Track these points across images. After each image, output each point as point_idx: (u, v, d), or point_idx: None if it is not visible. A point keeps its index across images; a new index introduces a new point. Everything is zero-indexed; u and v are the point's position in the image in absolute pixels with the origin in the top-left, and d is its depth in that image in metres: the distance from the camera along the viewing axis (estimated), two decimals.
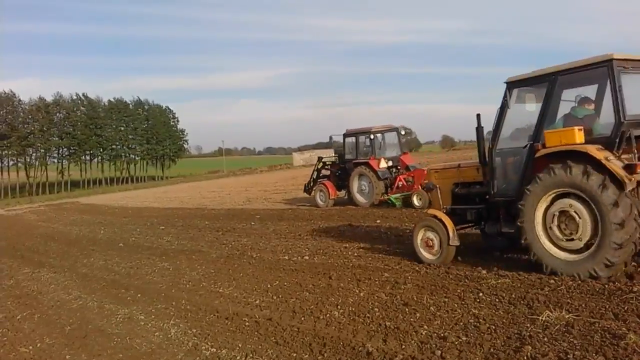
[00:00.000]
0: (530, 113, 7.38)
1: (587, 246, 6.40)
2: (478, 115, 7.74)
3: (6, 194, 77.97)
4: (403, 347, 5.10)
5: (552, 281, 6.54)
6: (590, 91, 7.37)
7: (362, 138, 18.90)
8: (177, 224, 19.56)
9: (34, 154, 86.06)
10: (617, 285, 6.05)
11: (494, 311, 5.77)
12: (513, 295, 6.17)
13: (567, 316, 5.22)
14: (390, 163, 17.79)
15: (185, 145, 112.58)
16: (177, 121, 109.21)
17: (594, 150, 6.20)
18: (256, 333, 6.18)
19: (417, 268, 8.16)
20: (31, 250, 16.49)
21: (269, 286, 8.22)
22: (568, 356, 4.36)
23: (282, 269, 9.40)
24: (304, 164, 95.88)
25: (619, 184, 6.02)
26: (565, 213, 6.51)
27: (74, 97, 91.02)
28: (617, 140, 6.34)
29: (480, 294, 6.39)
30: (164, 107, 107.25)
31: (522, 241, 7.01)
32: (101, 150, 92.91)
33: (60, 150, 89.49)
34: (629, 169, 6.04)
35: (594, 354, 4.35)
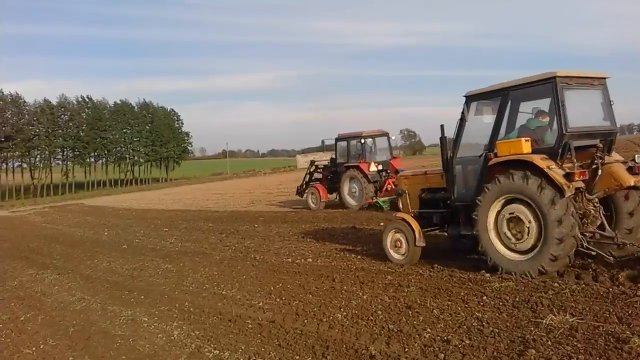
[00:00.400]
0: (486, 124, 7.88)
1: (534, 246, 6.94)
2: (442, 126, 8.27)
3: (11, 196, 78.23)
4: (406, 350, 5.09)
5: (555, 284, 6.53)
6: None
7: (353, 142, 19.28)
8: (181, 226, 19.58)
9: (39, 156, 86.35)
10: (622, 289, 6.03)
11: (497, 314, 5.75)
12: (517, 299, 6.16)
13: (571, 320, 5.21)
14: (380, 167, 18.08)
15: (190, 148, 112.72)
16: (182, 123, 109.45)
17: (538, 160, 6.80)
18: (259, 335, 6.17)
19: (420, 271, 8.14)
20: (35, 252, 16.54)
21: (272, 288, 8.22)
22: None
23: (285, 271, 9.40)
24: (304, 167, 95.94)
25: (560, 191, 6.55)
26: (514, 216, 7.09)
27: (79, 99, 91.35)
28: (560, 150, 6.97)
29: (484, 298, 6.37)
30: (168, 109, 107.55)
31: (479, 248, 7.62)
32: (106, 152, 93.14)
33: (65, 152, 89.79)
34: (568, 177, 6.64)
35: (598, 358, 4.34)
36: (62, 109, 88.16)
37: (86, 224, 25.24)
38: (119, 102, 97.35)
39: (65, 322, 7.95)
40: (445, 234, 9.07)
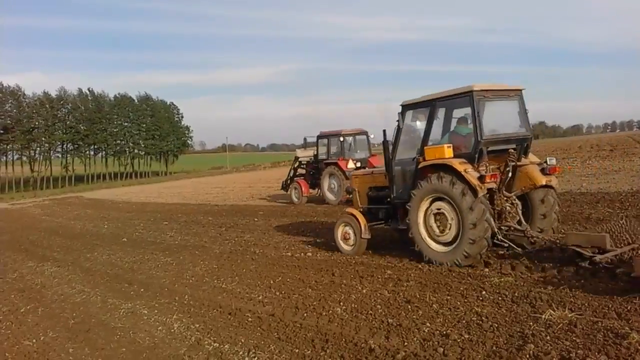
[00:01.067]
0: (420, 131, 8.79)
1: (454, 239, 7.86)
2: (384, 131, 9.23)
3: (10, 188, 78.29)
4: (405, 344, 5.10)
5: (554, 280, 6.55)
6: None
7: (333, 140, 19.95)
8: (181, 219, 19.60)
9: (38, 149, 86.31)
10: (621, 285, 6.04)
11: (496, 309, 5.76)
12: (516, 294, 6.17)
13: (570, 315, 5.22)
14: (358, 164, 18.48)
15: (189, 141, 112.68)
16: (182, 117, 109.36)
17: (456, 164, 7.70)
18: (259, 328, 6.19)
19: (419, 266, 8.17)
20: (35, 244, 16.56)
21: (271, 282, 8.24)
22: (571, 355, 4.35)
23: (285, 265, 9.42)
24: (309, 160, 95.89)
25: (474, 191, 7.44)
26: (439, 212, 8.04)
27: (80, 92, 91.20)
28: (476, 155, 7.79)
29: (483, 292, 6.39)
30: (168, 103, 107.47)
31: (409, 235, 8.49)
32: (105, 145, 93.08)
33: (65, 145, 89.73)
34: (481, 178, 7.47)
35: (596, 353, 4.34)
36: (62, 102, 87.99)
37: (86, 216, 25.25)
38: (118, 95, 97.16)
39: (65, 314, 7.98)
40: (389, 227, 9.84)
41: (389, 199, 9.38)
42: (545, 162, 8.31)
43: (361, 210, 9.95)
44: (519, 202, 8.35)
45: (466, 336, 5.08)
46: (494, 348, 4.74)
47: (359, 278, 7.82)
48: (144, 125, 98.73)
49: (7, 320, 7.98)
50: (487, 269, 7.44)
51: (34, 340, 6.86)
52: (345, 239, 9.78)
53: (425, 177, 8.13)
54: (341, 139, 19.18)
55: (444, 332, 5.24)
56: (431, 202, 8.15)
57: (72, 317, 7.75)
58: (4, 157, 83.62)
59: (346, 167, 18.41)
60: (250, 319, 6.56)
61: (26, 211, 33.81)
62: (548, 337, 4.79)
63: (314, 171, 20.94)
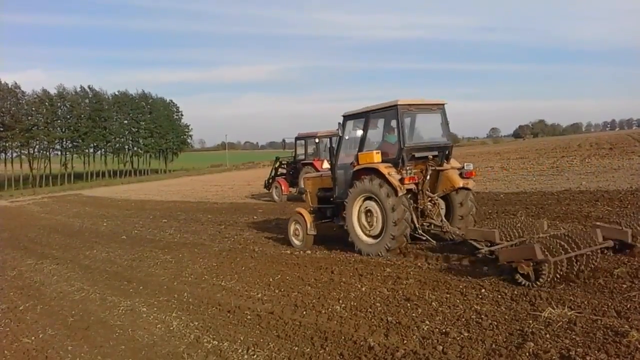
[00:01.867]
0: (358, 138, 9.81)
1: (380, 234, 8.99)
2: (330, 139, 10.84)
3: (9, 186, 78.16)
4: (405, 342, 5.10)
5: (554, 278, 6.53)
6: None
7: (310, 141, 21.03)
8: (180, 217, 19.59)
9: (38, 146, 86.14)
10: (620, 283, 6.05)
11: (496, 307, 5.76)
12: (515, 292, 6.16)
13: (569, 313, 5.21)
14: None
15: (189, 139, 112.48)
16: (181, 115, 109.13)
17: (382, 168, 8.82)
18: (258, 326, 6.18)
19: (419, 264, 8.17)
20: (34, 242, 16.54)
21: (271, 280, 8.23)
22: (570, 353, 4.34)
23: (284, 263, 9.41)
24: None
25: (396, 191, 8.54)
26: (368, 210, 9.16)
27: (79, 90, 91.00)
28: (400, 160, 8.87)
29: (483, 290, 6.38)
30: (167, 101, 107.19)
31: (345, 227, 9.61)
32: (105, 143, 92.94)
33: (64, 143, 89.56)
34: (401, 181, 8.58)
35: (596, 351, 4.34)
36: (62, 99, 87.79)
37: (85, 214, 25.23)
38: (118, 93, 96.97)
39: (64, 312, 7.97)
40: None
41: (332, 199, 10.47)
42: (463, 167, 9.40)
43: (311, 209, 11.03)
44: (441, 202, 9.48)
45: (465, 334, 5.08)
46: (494, 346, 4.73)
47: (358, 276, 7.82)
48: (143, 123, 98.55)
49: (6, 317, 7.97)
50: (486, 267, 7.43)
51: (33, 338, 6.85)
52: (296, 235, 10.96)
53: (359, 179, 9.25)
54: (317, 140, 19.84)
55: (444, 330, 5.23)
56: (363, 201, 9.29)
57: (71, 314, 7.74)
58: (3, 155, 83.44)
59: (321, 167, 19.14)
60: (249, 317, 6.55)
61: (25, 209, 33.77)
62: (548, 335, 4.79)
63: (293, 171, 22.08)
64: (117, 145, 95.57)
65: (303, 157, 21.50)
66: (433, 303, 6.13)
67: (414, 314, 5.84)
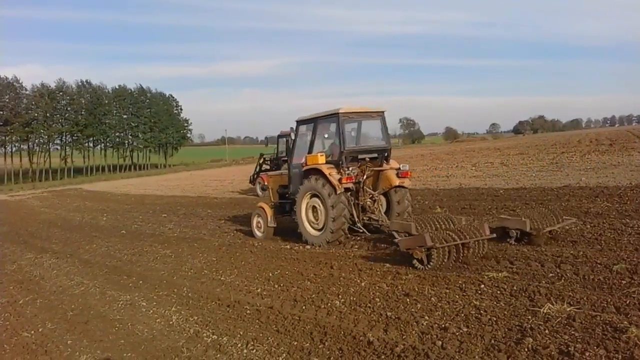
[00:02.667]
0: (308, 141, 10.85)
1: (322, 227, 10.05)
2: (287, 140, 11.80)
3: (9, 180, 78.13)
4: (404, 337, 5.11)
5: (551, 274, 6.55)
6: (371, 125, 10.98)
7: (290, 139, 21.41)
8: (180, 211, 19.59)
9: (37, 140, 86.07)
10: (620, 279, 6.05)
11: (495, 303, 5.76)
12: (514, 287, 6.16)
13: (568, 309, 5.21)
14: None
15: (189, 134, 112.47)
16: (181, 109, 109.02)
17: (325, 168, 9.83)
18: (257, 321, 6.19)
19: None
20: (34, 236, 16.56)
21: (270, 275, 8.24)
22: (569, 349, 4.35)
23: (283, 257, 9.42)
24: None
25: (335, 189, 9.59)
26: (314, 205, 10.18)
27: (78, 84, 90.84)
28: (340, 162, 9.88)
29: (482, 286, 6.38)
30: (167, 95, 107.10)
31: (294, 219, 10.73)
32: (104, 137, 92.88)
33: (64, 137, 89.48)
34: (340, 180, 9.60)
35: (595, 347, 4.34)
36: (61, 94, 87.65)
37: (85, 209, 25.24)
38: (117, 87, 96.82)
39: (64, 306, 7.98)
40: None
41: (287, 195, 11.49)
42: (399, 168, 10.40)
43: (272, 204, 11.99)
44: (382, 199, 10.63)
45: (465, 329, 5.08)
46: (493, 341, 4.74)
47: (357, 271, 7.82)
48: (143, 117, 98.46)
49: (6, 311, 7.99)
50: (485, 263, 7.43)
51: (33, 332, 6.87)
52: (258, 227, 12.01)
53: (307, 178, 10.23)
54: None
55: (443, 326, 5.24)
56: (310, 197, 10.32)
57: (71, 308, 7.75)
58: (3, 149, 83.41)
59: None
60: (248, 312, 6.56)
61: (25, 203, 33.77)
62: (547, 331, 4.79)
63: (275, 167, 22.42)
64: (117, 139, 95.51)
65: (284, 154, 21.80)
66: (432, 298, 6.14)
67: (413, 309, 5.84)
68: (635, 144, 31.52)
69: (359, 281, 7.25)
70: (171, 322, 6.58)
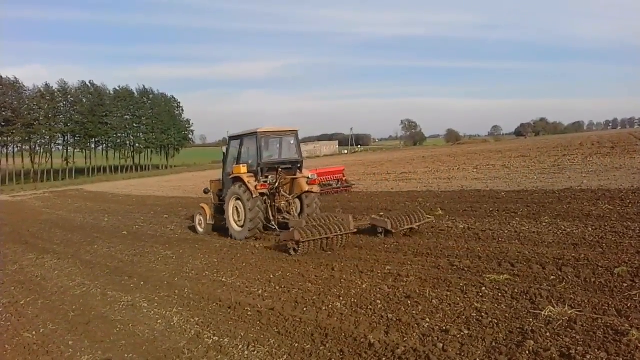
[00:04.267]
0: (235, 154, 13.02)
1: (243, 225, 12.02)
2: (223, 153, 13.62)
3: (11, 180, 78.26)
4: (405, 339, 5.10)
5: (553, 277, 6.54)
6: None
7: None
8: (181, 213, 19.60)
9: (39, 141, 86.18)
10: (621, 281, 6.04)
11: (496, 305, 5.76)
12: (516, 290, 6.16)
13: (569, 312, 5.21)
14: None
15: (190, 135, 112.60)
16: (182, 111, 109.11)
17: (245, 177, 11.82)
18: (258, 322, 6.19)
19: (419, 261, 8.17)
20: (35, 237, 16.57)
21: (271, 276, 8.24)
22: (570, 352, 4.35)
23: (284, 259, 9.42)
24: (308, 156, 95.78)
25: (251, 194, 11.60)
26: (237, 207, 12.18)
27: (80, 84, 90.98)
28: (258, 172, 11.97)
29: (483, 288, 6.38)
30: (169, 97, 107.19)
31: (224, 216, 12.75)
32: (106, 138, 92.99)
33: (66, 138, 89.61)
34: (255, 187, 11.66)
35: (596, 350, 4.34)
36: (63, 94, 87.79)
37: (86, 209, 25.26)
38: (119, 88, 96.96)
39: (65, 306, 7.97)
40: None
41: (222, 198, 13.34)
42: (308, 177, 12.65)
43: (213, 205, 13.83)
44: (296, 202, 12.73)
45: (466, 332, 5.08)
46: (494, 344, 4.74)
47: (358, 273, 7.82)
48: (145, 118, 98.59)
49: (7, 312, 7.98)
50: (487, 265, 7.43)
51: (34, 333, 6.87)
52: (199, 224, 13.99)
53: (233, 184, 12.18)
54: None
55: (444, 328, 5.23)
56: (235, 200, 12.19)
57: (72, 309, 7.75)
58: (5, 150, 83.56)
59: None
60: (250, 313, 6.56)
61: (27, 203, 33.81)
62: (548, 334, 4.79)
63: None
64: (119, 140, 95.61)
65: None
66: (433, 301, 6.13)
67: (414, 312, 5.84)
68: (637, 147, 31.49)
69: (360, 283, 7.24)
70: (172, 323, 6.58)
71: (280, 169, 12.47)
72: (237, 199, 12.01)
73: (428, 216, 11.19)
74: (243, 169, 11.92)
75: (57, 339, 6.56)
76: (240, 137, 12.87)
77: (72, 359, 5.85)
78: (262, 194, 11.90)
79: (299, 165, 12.70)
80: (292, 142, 12.94)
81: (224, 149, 13.78)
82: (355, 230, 10.41)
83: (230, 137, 13.58)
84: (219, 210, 13.34)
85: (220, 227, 13.32)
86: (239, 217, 12.17)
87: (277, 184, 12.40)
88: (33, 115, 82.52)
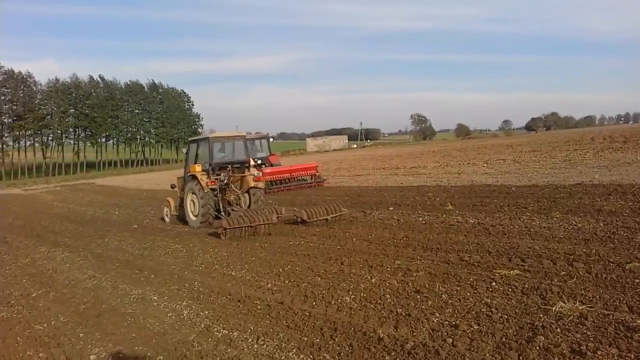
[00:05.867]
0: (194, 155, 15.02)
1: (197, 215, 13.97)
2: (185, 153, 16.00)
3: (23, 174, 78.97)
4: (414, 334, 5.09)
5: (563, 272, 6.49)
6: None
7: None
8: None
9: (51, 135, 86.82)
10: (632, 277, 5.99)
11: (506, 301, 5.73)
12: (526, 285, 6.13)
13: (580, 307, 5.17)
14: (259, 161, 23.68)
15: (200, 129, 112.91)
16: (192, 105, 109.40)
17: (199, 175, 13.83)
18: (268, 316, 6.21)
19: (429, 255, 8.14)
20: (47, 230, 16.72)
21: (280, 270, 8.26)
22: (581, 347, 4.32)
23: (294, 253, 9.43)
24: (318, 150, 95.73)
25: (203, 189, 13.66)
26: (193, 200, 14.09)
27: (92, 79, 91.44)
28: (209, 171, 13.97)
29: (493, 284, 6.35)
30: (179, 91, 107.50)
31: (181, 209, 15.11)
32: (117, 132, 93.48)
33: (77, 132, 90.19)
34: (207, 184, 13.67)
35: (607, 346, 4.30)
36: (75, 89, 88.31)
37: (97, 203, 25.44)
38: (129, 82, 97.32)
39: (76, 299, 8.04)
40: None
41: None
42: (254, 175, 14.59)
43: (179, 198, 15.45)
44: (245, 196, 14.57)
45: (475, 327, 5.06)
46: (504, 339, 4.72)
47: (368, 267, 7.81)
48: (155, 112, 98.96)
49: (19, 304, 8.07)
50: (497, 260, 7.40)
51: (45, 325, 6.93)
52: (166, 214, 15.96)
53: (190, 181, 14.17)
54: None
55: (453, 323, 5.22)
56: (191, 194, 14.13)
57: (83, 302, 7.82)
58: (17, 144, 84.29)
59: (275, 161, 24.79)
60: (259, 307, 6.58)
61: (38, 197, 34.11)
62: (558, 330, 4.76)
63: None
64: (129, 134, 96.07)
65: None
66: (443, 295, 6.12)
67: (423, 306, 5.83)
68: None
69: (369, 277, 7.24)
70: (182, 317, 6.61)
71: (230, 168, 14.49)
72: (193, 193, 13.98)
73: (344, 209, 12.76)
74: (198, 168, 13.91)
75: (68, 331, 6.62)
76: (197, 141, 15.29)
77: (82, 351, 5.90)
78: (212, 189, 13.90)
79: (247, 165, 14.92)
80: (241, 145, 15.14)
81: (184, 150, 16.07)
82: (277, 221, 12.03)
83: (189, 141, 16.02)
84: (182, 203, 14.99)
85: (182, 218, 15.05)
86: (194, 208, 14.09)
87: (226, 181, 14.42)
88: (45, 110, 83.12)
